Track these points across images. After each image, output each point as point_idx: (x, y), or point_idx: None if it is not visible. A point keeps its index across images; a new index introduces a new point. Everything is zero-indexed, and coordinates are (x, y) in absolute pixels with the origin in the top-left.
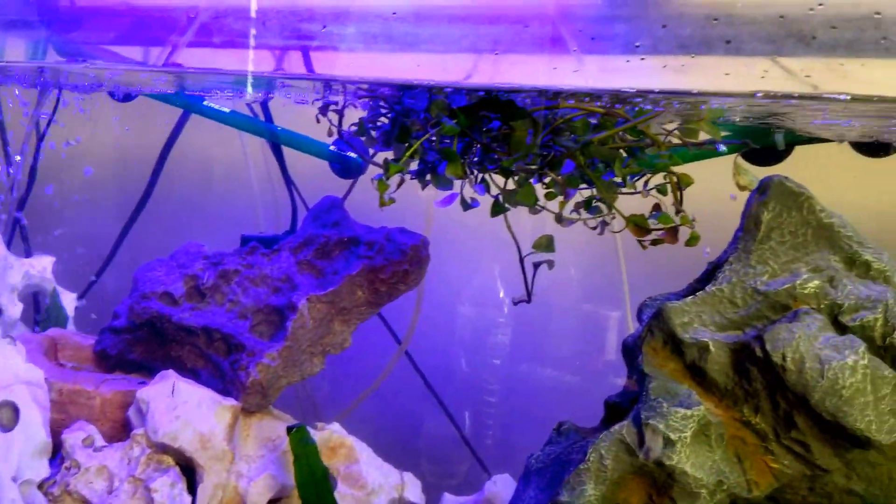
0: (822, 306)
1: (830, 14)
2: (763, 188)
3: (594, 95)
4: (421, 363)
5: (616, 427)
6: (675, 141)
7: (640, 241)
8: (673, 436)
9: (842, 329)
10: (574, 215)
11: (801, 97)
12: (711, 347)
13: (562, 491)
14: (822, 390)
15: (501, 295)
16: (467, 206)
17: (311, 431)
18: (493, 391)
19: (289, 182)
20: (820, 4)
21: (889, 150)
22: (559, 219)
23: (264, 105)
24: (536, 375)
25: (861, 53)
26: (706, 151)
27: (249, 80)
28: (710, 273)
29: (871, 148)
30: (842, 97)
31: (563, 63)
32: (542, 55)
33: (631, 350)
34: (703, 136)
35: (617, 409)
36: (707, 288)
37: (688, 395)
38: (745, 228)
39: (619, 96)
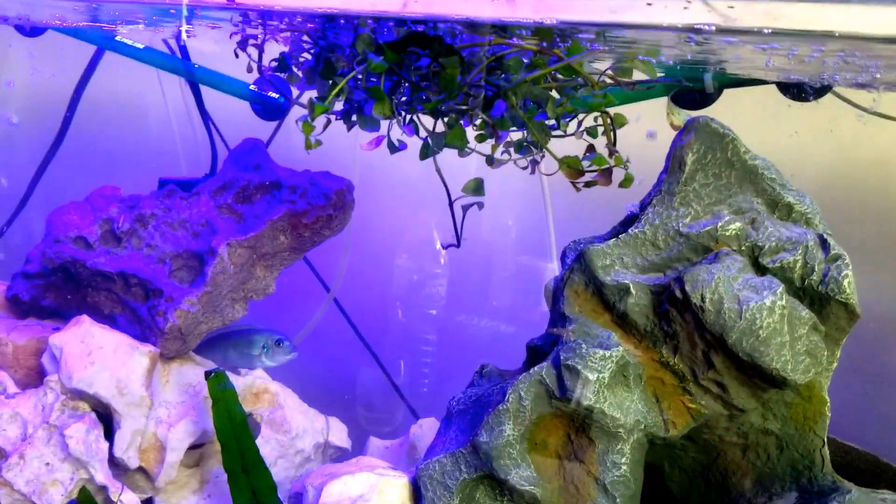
0: (743, 248)
1: None
2: (688, 129)
3: (523, 27)
4: (355, 312)
5: (536, 368)
6: (609, 81)
7: (573, 184)
8: (591, 376)
9: (762, 270)
10: (505, 156)
11: (722, 30)
12: (632, 289)
13: (481, 431)
14: (740, 331)
15: (438, 246)
16: (395, 148)
17: (235, 378)
18: (430, 341)
19: (207, 123)
20: None
21: (811, 91)
22: (490, 161)
23: (178, 40)
24: (473, 325)
25: None
26: (640, 93)
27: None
28: (634, 215)
29: (797, 90)
30: (764, 30)
31: None
32: None
33: (553, 293)
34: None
35: (538, 351)
36: (629, 230)
37: (607, 337)
38: (669, 170)
39: (549, 30)
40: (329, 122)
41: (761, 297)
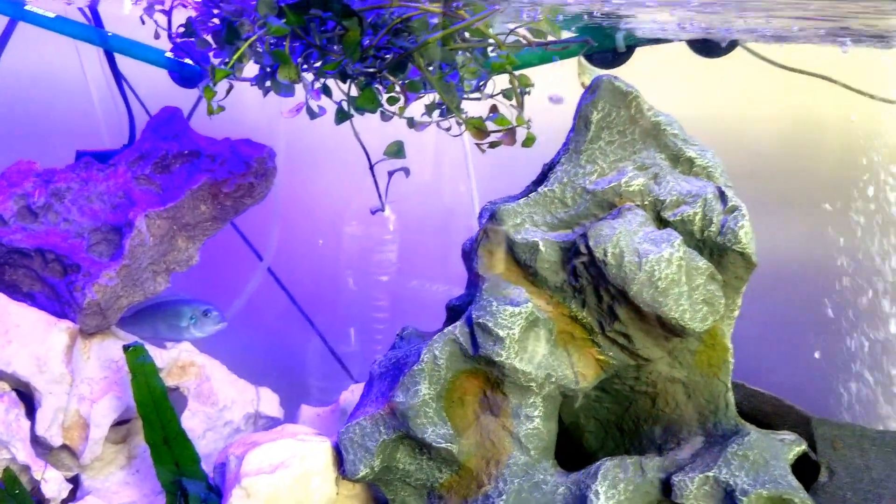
0: (646, 203)
1: None
2: (593, 88)
3: None
4: (301, 281)
5: (450, 328)
6: (524, 42)
7: (478, 145)
8: (502, 333)
9: (664, 224)
10: (425, 118)
11: None
12: (541, 247)
13: (397, 392)
14: (640, 282)
15: (388, 212)
16: (314, 114)
17: (160, 351)
18: (382, 307)
19: (123, 92)
20: None
21: (720, 48)
22: (411, 123)
23: (93, 9)
24: (425, 291)
25: None
26: (553, 53)
27: None
28: (545, 174)
29: (707, 47)
30: None
31: None
32: None
33: (468, 254)
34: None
35: (457, 311)
36: (539, 189)
37: (518, 294)
38: (575, 129)
39: None
40: (231, 87)
41: (659, 250)
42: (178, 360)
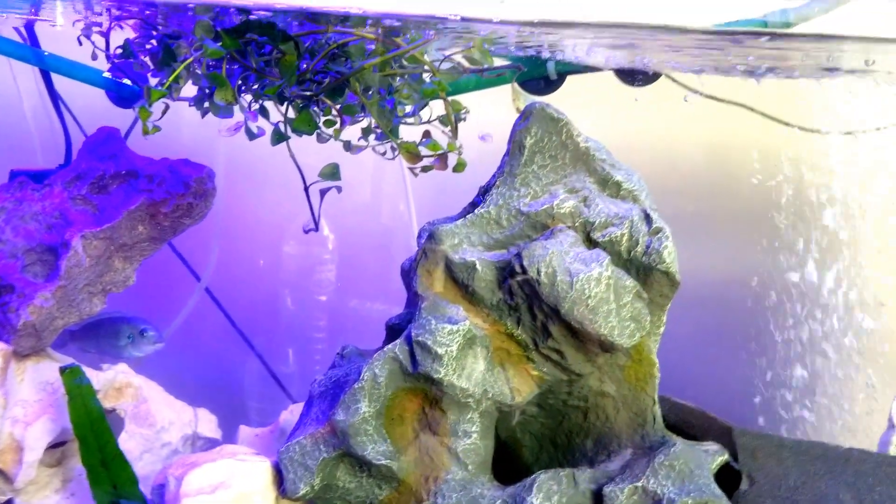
0: (576, 224)
1: None
2: (526, 114)
3: (366, 18)
4: (240, 301)
5: (389, 346)
6: (459, 69)
7: (411, 169)
8: (440, 350)
9: (594, 244)
10: (362, 142)
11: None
12: (478, 266)
13: (338, 410)
14: (571, 300)
15: (326, 231)
16: (253, 135)
17: (96, 373)
18: (321, 327)
19: (59, 112)
20: None
21: (645, 78)
22: (347, 146)
23: (28, 27)
24: (364, 310)
25: None
26: (489, 80)
27: None
28: (481, 196)
29: (631, 76)
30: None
31: None
32: None
33: (407, 273)
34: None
35: (396, 329)
36: (476, 210)
37: (455, 312)
38: (510, 153)
39: (383, 23)
40: (167, 108)
41: (589, 269)
42: (114, 381)
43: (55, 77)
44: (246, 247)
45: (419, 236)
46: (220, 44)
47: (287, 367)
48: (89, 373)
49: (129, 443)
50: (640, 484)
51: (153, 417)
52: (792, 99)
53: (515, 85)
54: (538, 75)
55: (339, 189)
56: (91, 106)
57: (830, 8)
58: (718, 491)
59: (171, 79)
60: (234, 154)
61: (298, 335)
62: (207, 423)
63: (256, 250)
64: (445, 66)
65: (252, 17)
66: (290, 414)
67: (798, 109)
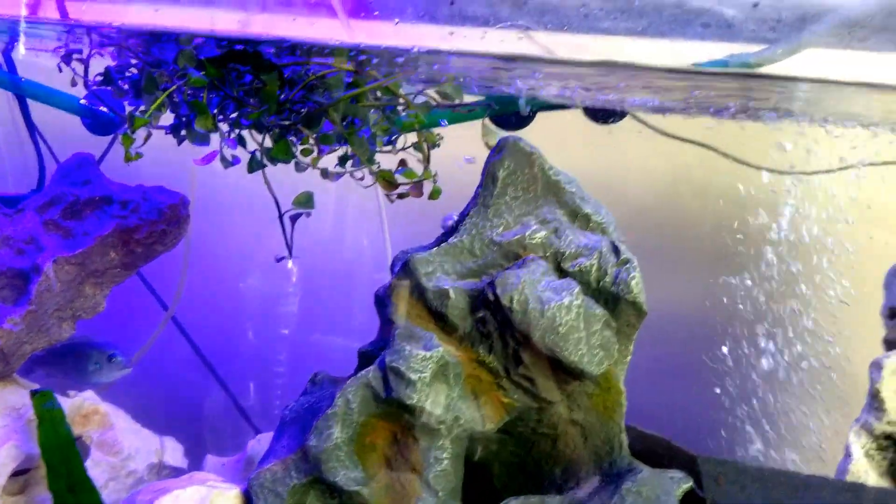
0: (547, 254)
1: None
2: (499, 148)
3: (346, 49)
4: (203, 333)
5: (363, 372)
6: (433, 103)
7: (387, 195)
8: (413, 376)
9: (564, 274)
10: (339, 169)
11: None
12: (451, 294)
13: (310, 436)
14: (542, 328)
15: (290, 265)
16: (228, 163)
17: (63, 399)
18: (282, 361)
19: (34, 137)
20: None
21: (612, 116)
22: (324, 174)
23: (6, 54)
24: (327, 344)
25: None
26: (463, 114)
27: None
28: (455, 226)
29: (599, 114)
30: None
31: (322, 21)
32: (305, 14)
33: (381, 300)
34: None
35: (369, 357)
36: (450, 240)
37: (429, 339)
38: (483, 185)
39: (344, 51)
40: (150, 135)
41: (560, 298)
42: (81, 408)
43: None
44: (215, 276)
45: (393, 264)
46: (203, 73)
47: (248, 399)
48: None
49: (94, 470)
50: None
51: (119, 445)
52: (750, 138)
53: (486, 122)
54: (510, 111)
55: (308, 214)
56: (65, 132)
57: (789, 54)
58: None
59: (153, 106)
60: (204, 182)
61: (260, 368)
62: (174, 452)
63: (224, 280)
64: (420, 99)
65: (236, 47)
66: (258, 443)
67: (755, 148)
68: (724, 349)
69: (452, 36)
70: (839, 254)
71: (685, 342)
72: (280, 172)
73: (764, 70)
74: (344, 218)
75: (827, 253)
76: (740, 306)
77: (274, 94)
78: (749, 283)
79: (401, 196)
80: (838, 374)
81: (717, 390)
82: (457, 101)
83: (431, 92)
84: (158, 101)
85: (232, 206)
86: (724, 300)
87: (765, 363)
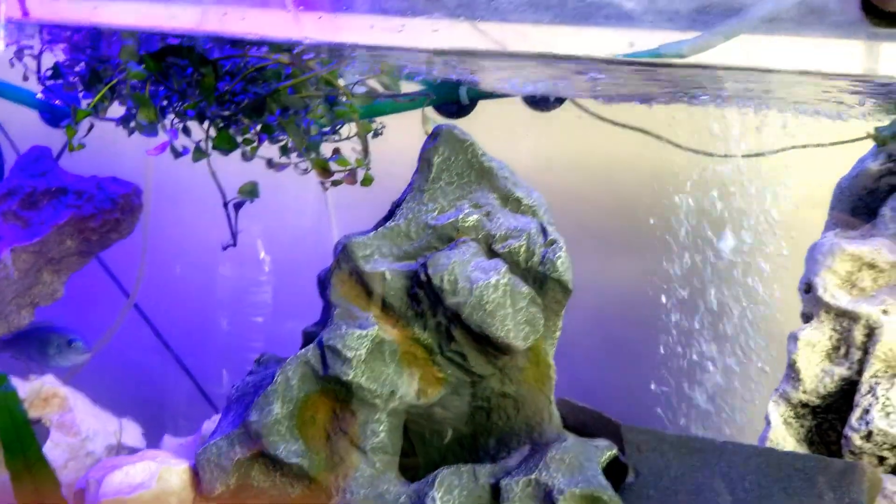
0: (479, 237)
1: None
2: (434, 135)
3: (284, 47)
4: (172, 320)
5: (302, 351)
6: (367, 91)
7: (321, 183)
8: (349, 354)
9: (494, 255)
10: (284, 159)
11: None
12: (388, 276)
13: (251, 412)
14: (471, 306)
15: (262, 255)
16: (178, 153)
17: (23, 383)
18: (256, 349)
19: None
20: None
21: (551, 103)
22: (270, 164)
23: None
24: (292, 329)
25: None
26: (405, 104)
27: None
28: (392, 211)
29: (538, 102)
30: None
31: (273, 16)
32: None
33: (322, 283)
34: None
35: (311, 336)
36: (387, 224)
37: (365, 318)
38: (419, 170)
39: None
40: (92, 126)
41: (487, 277)
42: (40, 391)
43: None
44: (181, 263)
45: (335, 248)
46: (142, 66)
47: (220, 387)
48: (16, 382)
49: (53, 451)
50: (533, 476)
51: (78, 427)
52: (687, 123)
53: (425, 111)
54: (450, 100)
55: (251, 201)
56: (26, 126)
57: (719, 41)
58: (605, 482)
59: (95, 99)
60: (169, 172)
61: (233, 356)
62: (132, 433)
63: (192, 268)
64: (359, 89)
65: (173, 41)
66: (212, 423)
67: (692, 133)
68: (664, 330)
69: (372, 29)
70: (775, 232)
71: (624, 321)
72: (257, 165)
73: (694, 59)
74: (323, 206)
75: (768, 235)
76: (676, 286)
77: (212, 86)
78: (689, 264)
79: (334, 183)
80: (778, 350)
81: (660, 370)
82: (396, 92)
83: (372, 81)
84: (100, 94)
85: (194, 196)
86: (666, 280)
87: (701, 343)
